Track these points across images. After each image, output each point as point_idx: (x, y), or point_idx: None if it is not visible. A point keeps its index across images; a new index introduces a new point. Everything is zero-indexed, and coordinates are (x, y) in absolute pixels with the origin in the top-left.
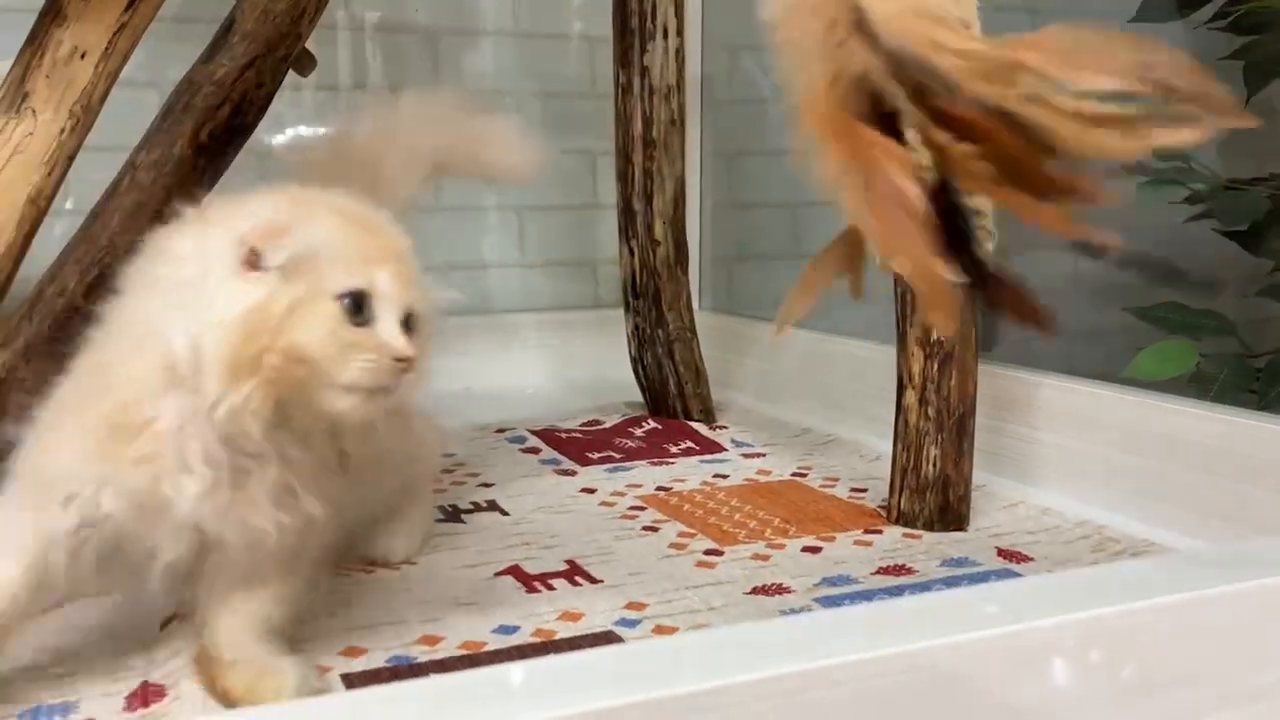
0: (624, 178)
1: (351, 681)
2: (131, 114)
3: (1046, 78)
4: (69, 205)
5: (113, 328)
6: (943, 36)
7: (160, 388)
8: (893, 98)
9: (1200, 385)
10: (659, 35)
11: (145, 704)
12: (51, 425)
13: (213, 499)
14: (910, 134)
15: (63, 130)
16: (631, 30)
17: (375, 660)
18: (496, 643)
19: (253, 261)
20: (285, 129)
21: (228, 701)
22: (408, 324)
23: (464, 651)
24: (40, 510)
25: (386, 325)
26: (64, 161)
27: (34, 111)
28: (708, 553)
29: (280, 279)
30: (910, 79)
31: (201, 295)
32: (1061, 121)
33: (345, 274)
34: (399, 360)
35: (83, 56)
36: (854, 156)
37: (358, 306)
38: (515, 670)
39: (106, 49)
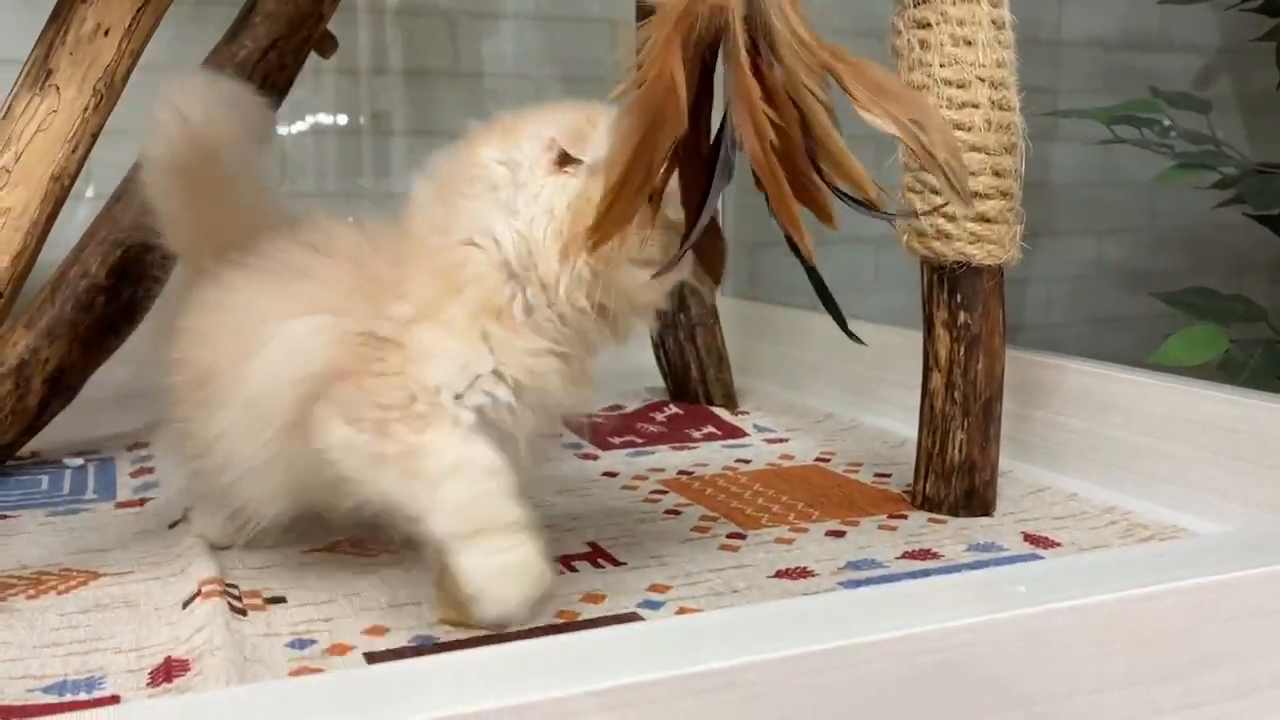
0: None
1: (374, 660)
2: (154, 97)
3: (846, 93)
4: (90, 193)
5: (426, 233)
6: (789, 11)
7: (502, 280)
8: (732, 34)
9: (1229, 371)
10: None
11: (169, 678)
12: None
13: (561, 373)
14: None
15: (86, 108)
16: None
17: (398, 639)
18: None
19: (564, 160)
20: (305, 115)
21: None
22: None
23: (487, 631)
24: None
25: None
26: (87, 139)
27: (57, 89)
28: (731, 536)
29: (588, 174)
30: (752, 29)
31: (522, 194)
32: (834, 144)
33: None
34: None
35: (106, 33)
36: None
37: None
38: (539, 646)
39: (130, 26)
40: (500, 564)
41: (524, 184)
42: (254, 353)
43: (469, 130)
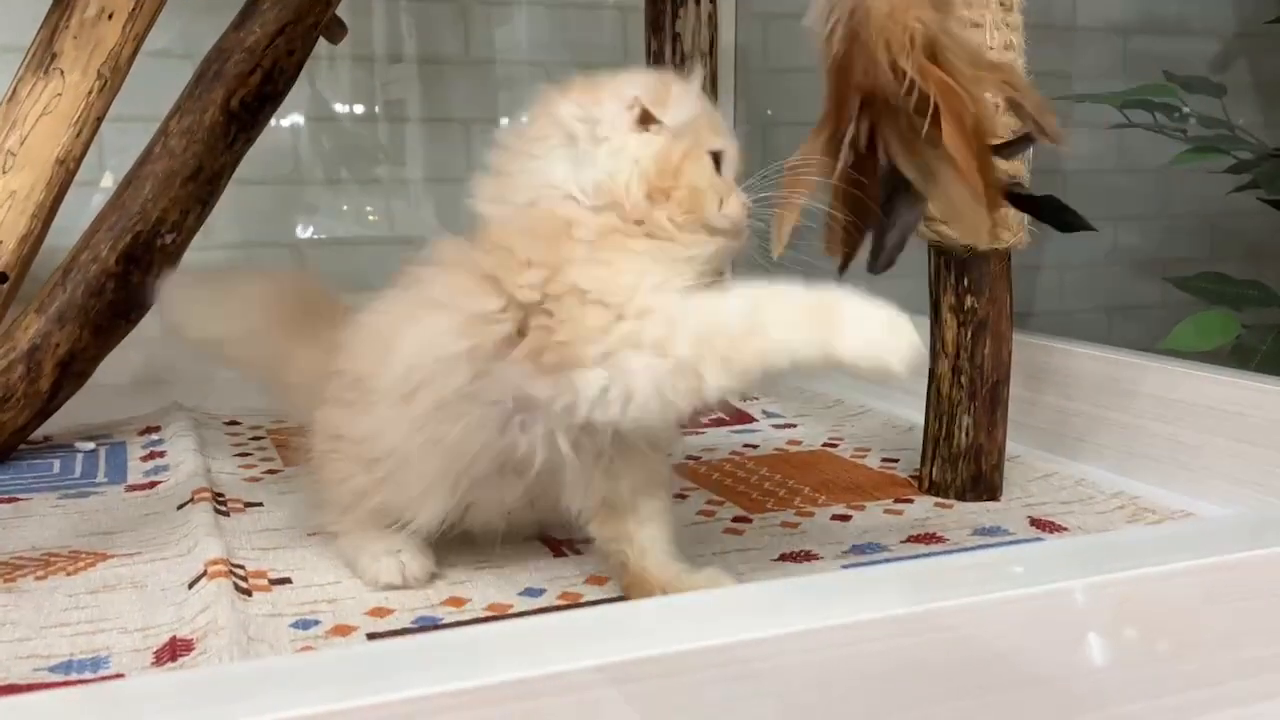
0: None
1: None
2: (167, 85)
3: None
4: (106, 182)
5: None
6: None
7: (592, 215)
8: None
9: (1242, 356)
10: (691, 1)
11: (174, 657)
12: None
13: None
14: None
15: (91, 91)
16: None
17: (401, 620)
18: (522, 605)
19: (646, 119)
20: (319, 102)
21: None
22: None
23: (490, 613)
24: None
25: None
26: (92, 122)
27: (62, 72)
28: (736, 520)
29: (671, 135)
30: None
31: (604, 148)
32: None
33: (713, 136)
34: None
35: (110, 17)
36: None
37: (717, 164)
38: (542, 623)
39: (134, 10)
40: (880, 318)
41: (605, 139)
42: (392, 349)
43: (541, 93)
